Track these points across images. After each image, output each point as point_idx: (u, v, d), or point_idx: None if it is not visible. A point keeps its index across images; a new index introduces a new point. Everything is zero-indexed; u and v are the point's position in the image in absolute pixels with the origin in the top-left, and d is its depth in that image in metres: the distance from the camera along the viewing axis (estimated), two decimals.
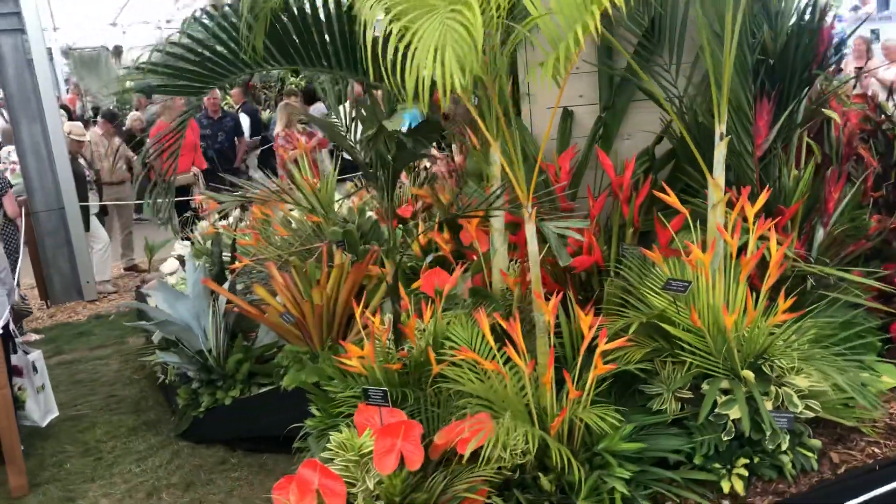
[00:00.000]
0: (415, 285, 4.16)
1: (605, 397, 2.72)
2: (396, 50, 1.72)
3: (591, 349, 2.60)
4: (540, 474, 2.50)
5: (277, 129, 8.51)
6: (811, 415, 2.78)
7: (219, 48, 2.59)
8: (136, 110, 13.44)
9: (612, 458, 2.49)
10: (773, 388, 2.76)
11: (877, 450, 2.88)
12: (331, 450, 2.63)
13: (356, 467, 2.40)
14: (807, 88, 3.48)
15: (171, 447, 4.60)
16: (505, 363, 2.67)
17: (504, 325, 2.57)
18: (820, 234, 3.42)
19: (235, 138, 9.84)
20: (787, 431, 2.72)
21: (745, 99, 3.26)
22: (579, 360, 2.57)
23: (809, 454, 2.77)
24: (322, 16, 2.53)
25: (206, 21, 2.56)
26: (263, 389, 4.58)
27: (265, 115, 13.36)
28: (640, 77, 3.21)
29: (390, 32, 1.74)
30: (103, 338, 6.75)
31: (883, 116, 4.19)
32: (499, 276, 3.29)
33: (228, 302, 4.72)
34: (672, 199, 2.91)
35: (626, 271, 3.08)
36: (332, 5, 2.58)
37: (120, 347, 6.47)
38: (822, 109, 3.61)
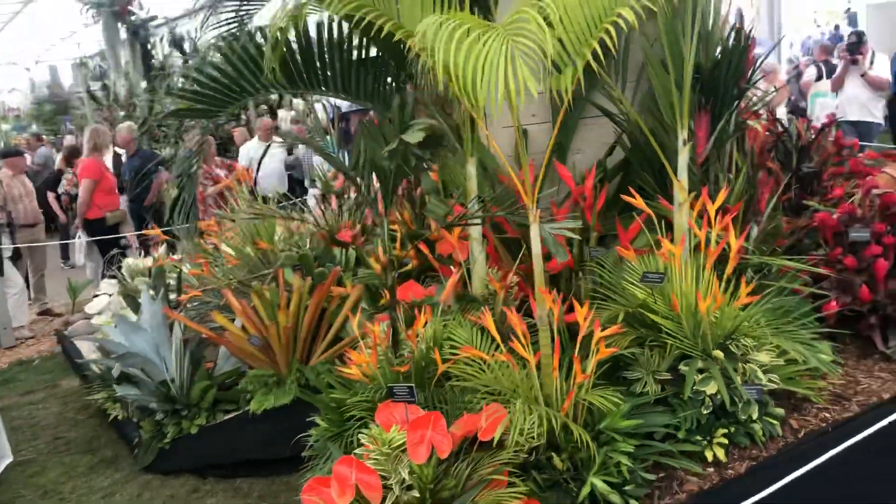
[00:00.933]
0: (382, 301, 4.33)
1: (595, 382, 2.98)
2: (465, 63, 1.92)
3: (577, 338, 2.86)
4: (553, 454, 2.73)
5: None
6: (773, 387, 3.13)
7: (236, 74, 2.72)
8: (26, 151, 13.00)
9: (616, 434, 2.74)
10: (739, 364, 3.10)
11: (827, 415, 3.26)
12: (358, 449, 2.75)
13: (387, 461, 2.55)
14: (736, 103, 3.89)
15: (137, 480, 4.54)
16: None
17: (514, 317, 2.80)
18: (755, 230, 3.83)
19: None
20: (757, 402, 3.06)
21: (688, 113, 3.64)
22: (576, 348, 2.82)
23: (774, 422, 3.12)
24: (325, 46, 2.70)
25: (226, 51, 2.70)
26: (230, 416, 4.60)
27: (165, 151, 13.15)
28: (590, 96, 3.55)
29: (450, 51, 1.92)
30: (31, 383, 6.52)
31: (781, 129, 4.73)
32: (479, 282, 3.52)
33: (184, 332, 4.75)
34: (639, 202, 3.23)
35: (600, 269, 3.37)
36: (335, 36, 2.76)
37: (53, 391, 6.27)
38: (748, 122, 4.04)
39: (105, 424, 5.32)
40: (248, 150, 9.46)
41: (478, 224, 3.40)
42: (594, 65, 2.53)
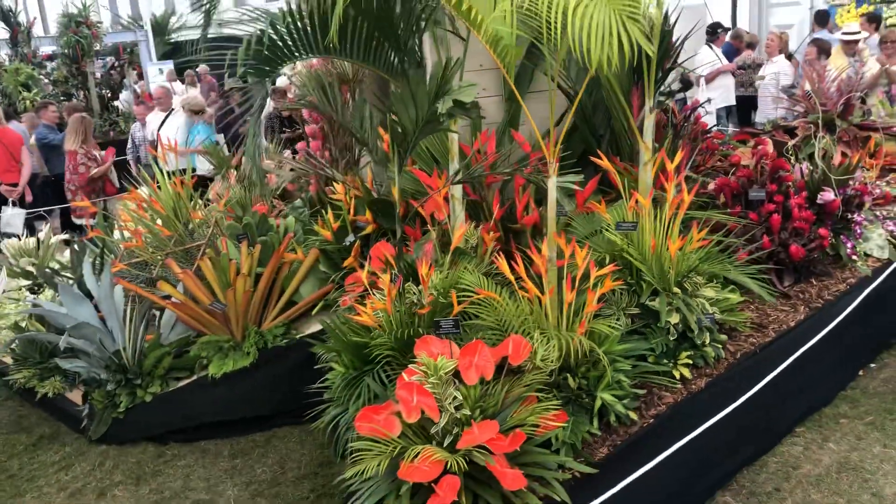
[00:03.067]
0: (346, 263, 4.58)
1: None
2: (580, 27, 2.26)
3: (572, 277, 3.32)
4: (568, 375, 3.17)
5: (69, 145, 8.07)
6: (717, 317, 3.75)
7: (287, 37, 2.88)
8: None
9: (616, 357, 3.23)
10: (692, 299, 3.69)
11: (753, 340, 3.94)
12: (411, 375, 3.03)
13: (439, 385, 2.87)
14: (661, 83, 4.50)
15: (92, 452, 4.51)
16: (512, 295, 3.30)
17: (535, 257, 3.20)
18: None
19: None
20: (708, 329, 3.67)
21: (626, 90, 4.20)
22: (576, 285, 3.27)
23: (719, 346, 3.74)
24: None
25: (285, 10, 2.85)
26: (185, 382, 4.66)
27: None
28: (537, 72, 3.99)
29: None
30: None
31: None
32: (458, 237, 3.88)
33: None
34: (606, 163, 3.73)
35: (573, 222, 3.85)
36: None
37: None
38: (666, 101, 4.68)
39: (30, 404, 5.15)
40: (153, 121, 9.30)
41: (459, 185, 3.76)
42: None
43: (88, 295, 4.89)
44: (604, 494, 2.94)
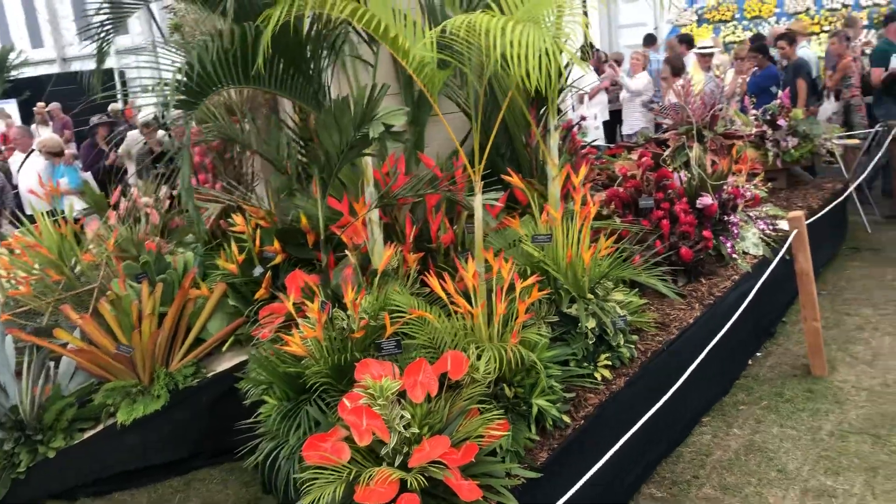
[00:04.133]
0: (259, 295, 4.51)
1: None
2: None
3: (498, 290, 3.44)
4: (504, 385, 3.27)
5: None
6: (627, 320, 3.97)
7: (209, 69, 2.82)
8: None
9: (546, 364, 3.36)
10: (604, 303, 3.89)
11: (660, 338, 4.19)
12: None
13: (386, 406, 2.89)
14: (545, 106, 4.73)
15: None
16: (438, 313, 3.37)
17: (467, 278, 3.28)
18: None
19: None
20: (622, 331, 3.88)
21: (524, 111, 4.39)
22: (503, 297, 3.38)
23: (632, 346, 3.96)
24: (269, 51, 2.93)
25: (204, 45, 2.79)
26: (91, 433, 4.43)
27: None
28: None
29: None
30: None
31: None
32: (378, 259, 3.91)
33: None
34: (516, 180, 3.89)
35: (491, 237, 3.97)
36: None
37: None
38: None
39: None
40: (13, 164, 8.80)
41: (376, 209, 3.81)
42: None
43: None
44: (549, 498, 3.05)
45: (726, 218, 5.33)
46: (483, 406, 3.11)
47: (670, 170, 5.80)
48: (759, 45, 8.94)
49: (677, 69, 8.55)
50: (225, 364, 4.66)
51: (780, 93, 7.41)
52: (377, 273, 3.75)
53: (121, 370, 4.50)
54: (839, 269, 6.63)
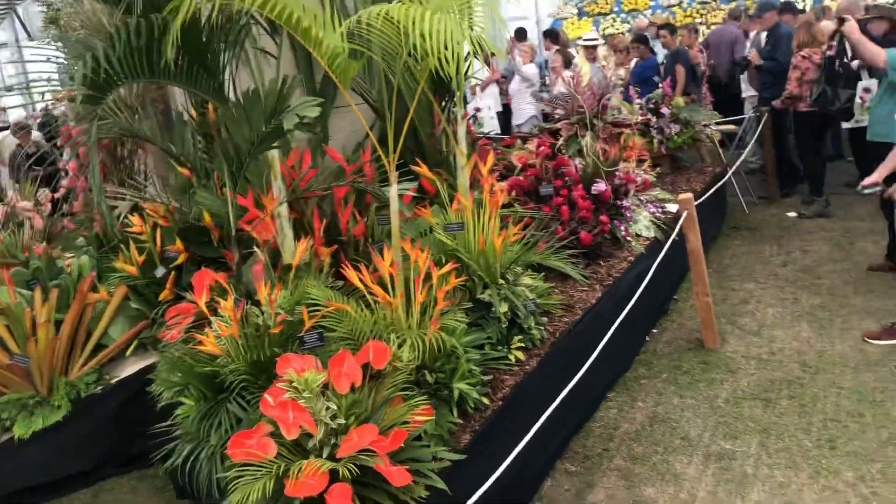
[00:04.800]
0: (163, 296, 4.39)
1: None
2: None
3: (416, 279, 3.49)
4: (426, 372, 3.32)
5: None
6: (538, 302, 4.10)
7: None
8: None
9: (464, 349, 3.43)
10: (515, 288, 4.01)
11: (566, 319, 4.34)
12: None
13: (311, 399, 2.88)
14: (450, 96, 4.80)
15: None
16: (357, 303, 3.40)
17: (383, 268, 3.30)
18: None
19: None
20: (532, 314, 4.00)
21: (429, 102, 4.45)
22: (421, 286, 3.43)
23: (541, 328, 4.09)
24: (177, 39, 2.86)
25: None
26: None
27: None
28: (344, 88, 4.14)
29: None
30: None
31: None
32: (289, 254, 3.88)
33: None
34: (425, 170, 3.94)
35: (403, 226, 4.00)
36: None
37: None
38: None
39: None
40: None
41: (284, 203, 3.78)
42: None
43: None
44: (475, 478, 3.13)
45: (619, 203, 5.57)
46: (406, 393, 3.15)
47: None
48: (640, 35, 9.33)
49: (568, 60, 8.81)
50: (129, 369, 4.51)
51: (661, 82, 7.77)
52: (290, 268, 3.72)
53: (16, 382, 4.28)
54: (722, 248, 7.04)
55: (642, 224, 5.67)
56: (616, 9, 14.46)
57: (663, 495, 3.66)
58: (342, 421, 2.91)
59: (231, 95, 3.47)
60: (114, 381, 4.43)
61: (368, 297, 3.42)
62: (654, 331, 5.46)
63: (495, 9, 2.80)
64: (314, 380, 2.91)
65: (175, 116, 4.26)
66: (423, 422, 3.06)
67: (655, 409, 4.40)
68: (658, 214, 5.84)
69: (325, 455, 2.85)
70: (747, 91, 9.24)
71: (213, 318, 3.45)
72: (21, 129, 9.26)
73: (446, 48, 2.39)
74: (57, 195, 6.94)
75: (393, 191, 3.20)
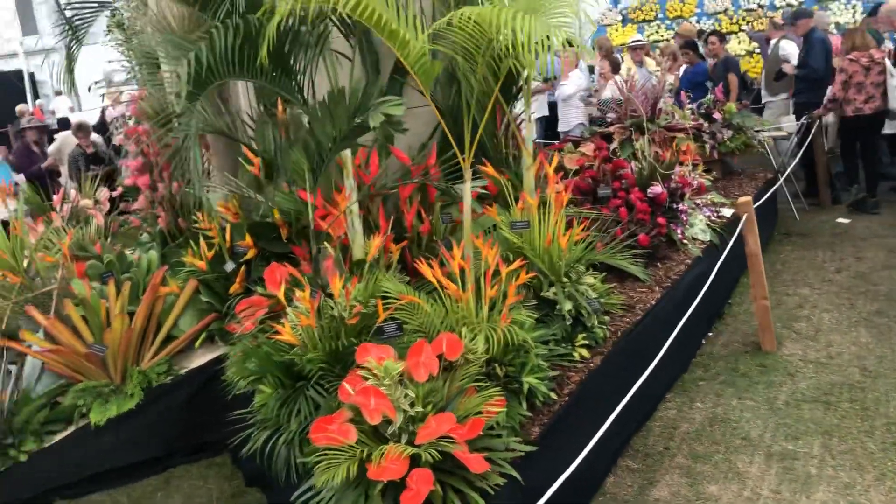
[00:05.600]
0: (233, 289, 4.53)
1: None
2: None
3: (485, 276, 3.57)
4: (496, 365, 3.40)
5: None
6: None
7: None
8: None
9: (534, 344, 3.51)
10: (578, 286, 4.07)
11: (627, 319, 4.39)
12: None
13: (391, 387, 2.98)
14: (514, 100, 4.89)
15: None
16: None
17: (452, 263, 3.39)
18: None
19: None
20: (595, 313, 4.06)
21: (501, 102, 4.53)
22: (489, 281, 3.52)
23: (604, 326, 4.14)
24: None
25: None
26: (63, 434, 4.35)
27: None
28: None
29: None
30: None
31: None
32: (358, 249, 3.99)
33: None
34: (490, 169, 4.03)
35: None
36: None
37: None
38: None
39: None
40: None
41: (356, 201, 3.89)
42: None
43: None
44: (545, 470, 3.19)
45: (675, 206, 5.60)
46: (479, 384, 3.23)
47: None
48: (690, 41, 9.33)
49: (616, 66, 8.85)
50: (197, 361, 4.65)
51: (713, 88, 7.78)
52: (362, 263, 3.82)
53: (92, 370, 4.44)
54: (774, 254, 7.02)
55: (698, 228, 5.69)
56: (661, 15, 14.45)
57: (727, 493, 3.69)
58: (419, 409, 3.00)
59: (308, 95, 3.58)
60: (183, 371, 4.56)
61: (440, 291, 3.51)
62: (710, 334, 5.47)
63: (574, 10, 2.86)
64: (394, 368, 3.00)
65: (257, 115, 4.40)
66: (496, 413, 3.13)
67: (715, 410, 4.43)
68: (713, 218, 5.86)
69: (403, 441, 2.94)
70: (766, 97, 9.18)
71: (289, 310, 3.56)
72: (81, 129, 9.52)
73: (540, 48, 2.48)
74: (115, 193, 7.17)
75: (467, 188, 3.29)
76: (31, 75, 25.83)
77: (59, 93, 20.13)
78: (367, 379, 3.01)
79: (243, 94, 5.15)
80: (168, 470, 4.44)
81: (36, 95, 24.82)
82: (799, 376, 4.70)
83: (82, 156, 9.43)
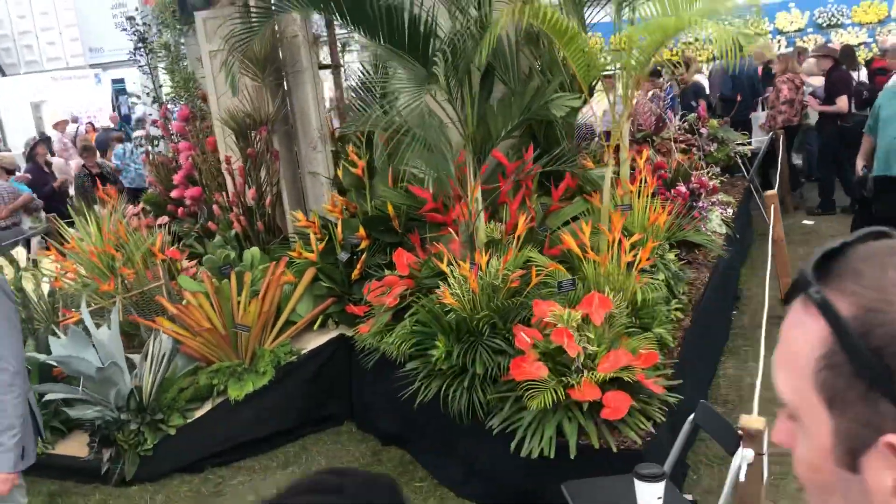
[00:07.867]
0: (355, 275, 5.07)
1: None
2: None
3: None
4: (633, 318, 4.09)
5: None
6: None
7: None
8: None
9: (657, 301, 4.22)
10: (665, 260, 4.82)
11: (693, 291, 5.16)
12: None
13: (574, 329, 3.62)
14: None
15: (127, 493, 4.42)
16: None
17: (580, 234, 4.07)
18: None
19: None
20: (681, 280, 4.82)
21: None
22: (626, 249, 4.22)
23: (685, 294, 4.90)
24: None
25: None
26: (205, 410, 4.76)
27: None
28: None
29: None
30: None
31: None
32: (482, 232, 4.62)
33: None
34: (590, 163, 4.76)
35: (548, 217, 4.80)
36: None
37: None
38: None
39: None
40: None
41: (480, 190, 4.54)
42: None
43: None
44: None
45: (695, 203, 6.47)
46: (629, 331, 3.92)
47: None
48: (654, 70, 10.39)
49: None
50: (314, 342, 5.14)
51: (699, 106, 8.81)
52: (498, 241, 4.47)
53: (227, 351, 4.87)
54: (759, 250, 7.99)
55: (715, 223, 6.57)
56: None
57: None
58: (596, 348, 3.66)
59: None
60: (304, 351, 5.05)
61: (582, 257, 4.17)
62: (734, 312, 6.32)
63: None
64: (574, 316, 3.65)
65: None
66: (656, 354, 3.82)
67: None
68: (725, 215, 6.75)
69: (585, 374, 3.59)
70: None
71: (450, 279, 4.15)
72: (86, 150, 9.73)
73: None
74: (138, 209, 7.54)
75: (607, 173, 4.01)
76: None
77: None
78: (554, 325, 3.65)
79: None
80: (300, 439, 4.89)
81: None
82: None
83: (88, 176, 9.63)
